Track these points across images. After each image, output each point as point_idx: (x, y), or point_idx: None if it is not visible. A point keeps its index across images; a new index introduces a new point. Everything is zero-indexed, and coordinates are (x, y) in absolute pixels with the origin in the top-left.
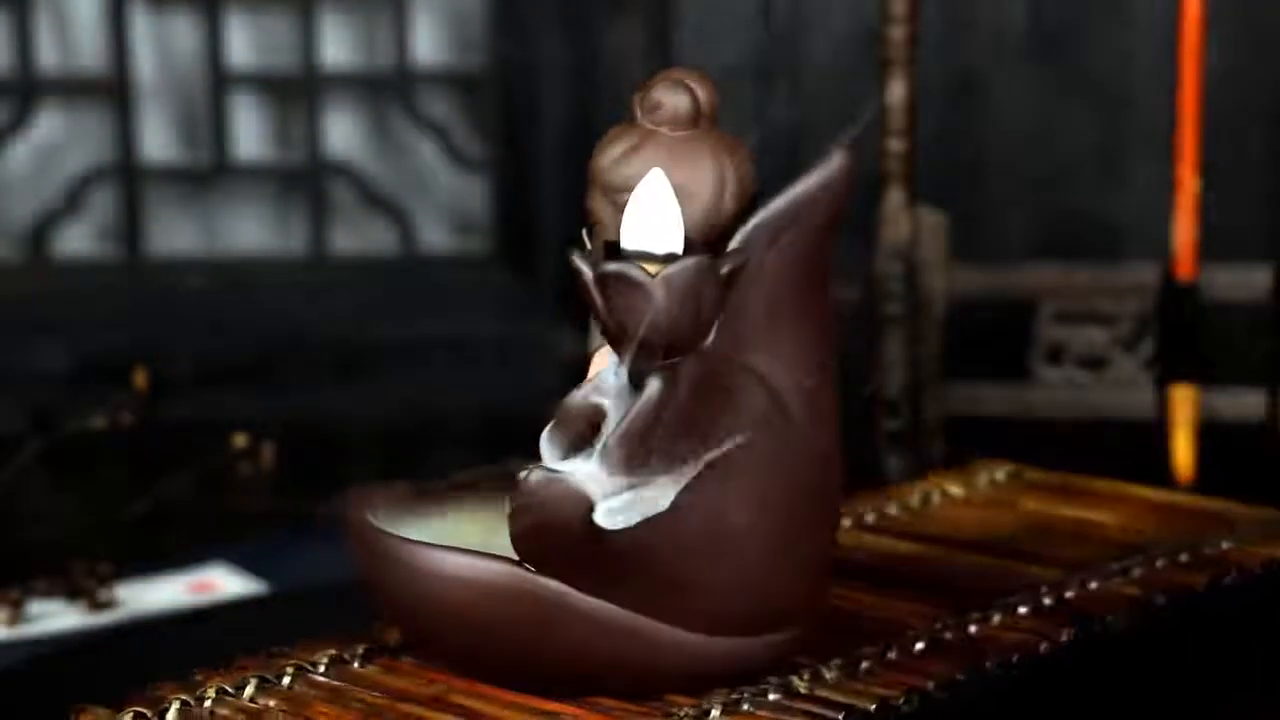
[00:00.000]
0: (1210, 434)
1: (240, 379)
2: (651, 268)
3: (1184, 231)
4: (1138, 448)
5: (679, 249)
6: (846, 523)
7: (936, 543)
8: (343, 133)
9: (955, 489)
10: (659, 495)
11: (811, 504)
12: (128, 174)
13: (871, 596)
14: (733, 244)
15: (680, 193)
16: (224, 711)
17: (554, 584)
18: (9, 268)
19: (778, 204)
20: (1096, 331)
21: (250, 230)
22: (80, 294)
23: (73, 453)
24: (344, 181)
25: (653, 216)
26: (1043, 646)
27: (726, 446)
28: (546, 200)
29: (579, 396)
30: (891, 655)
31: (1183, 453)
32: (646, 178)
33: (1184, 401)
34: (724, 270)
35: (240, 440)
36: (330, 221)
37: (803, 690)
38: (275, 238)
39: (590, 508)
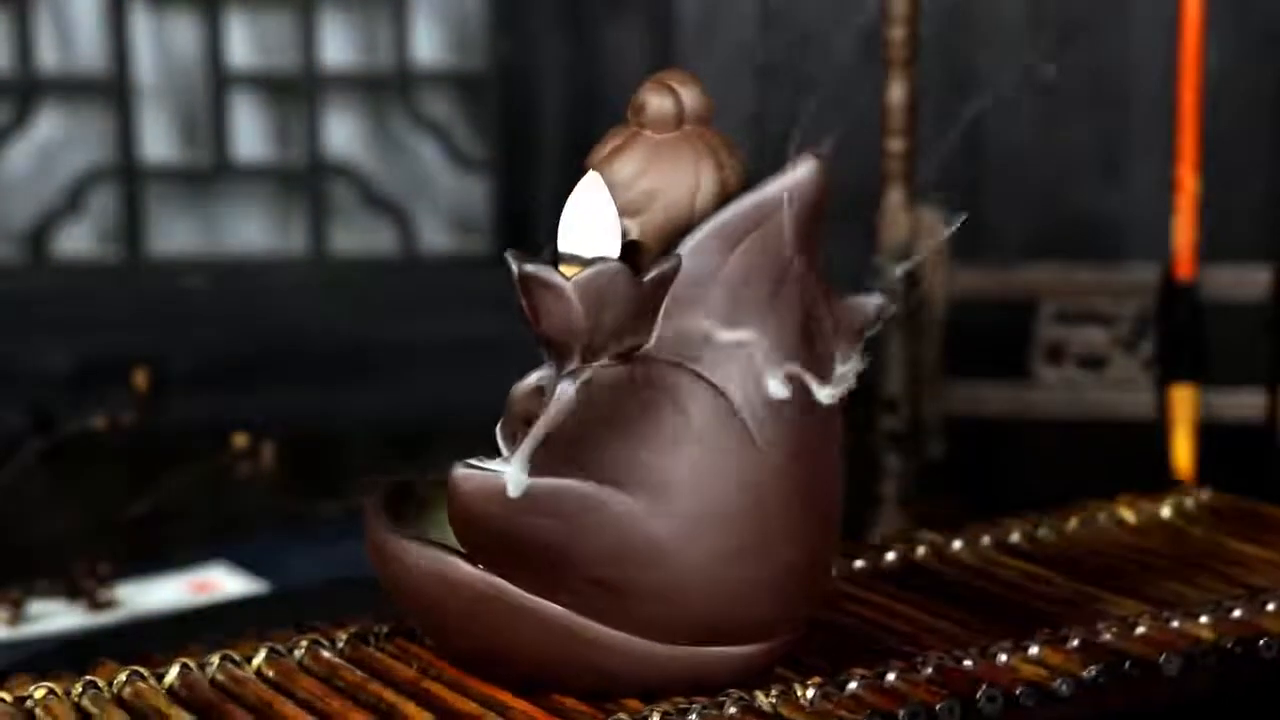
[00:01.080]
0: (1210, 434)
1: (240, 379)
2: (570, 270)
3: (1184, 231)
4: (1138, 448)
5: (612, 252)
6: (985, 540)
7: (1059, 568)
8: (343, 133)
9: (1127, 514)
10: (569, 491)
11: (772, 518)
12: (128, 174)
13: (930, 617)
14: (682, 247)
15: (652, 195)
16: (220, 677)
17: (490, 578)
18: (9, 268)
19: (735, 209)
20: (1096, 331)
21: (250, 230)
22: (80, 294)
23: (73, 453)
24: (344, 181)
25: (585, 219)
26: (1058, 682)
27: (647, 452)
28: (546, 200)
29: (523, 387)
30: (889, 678)
31: (1183, 453)
32: (582, 180)
33: (1184, 401)
34: (647, 276)
35: (240, 440)
36: (330, 221)
37: (765, 707)
38: (275, 238)
39: (505, 504)
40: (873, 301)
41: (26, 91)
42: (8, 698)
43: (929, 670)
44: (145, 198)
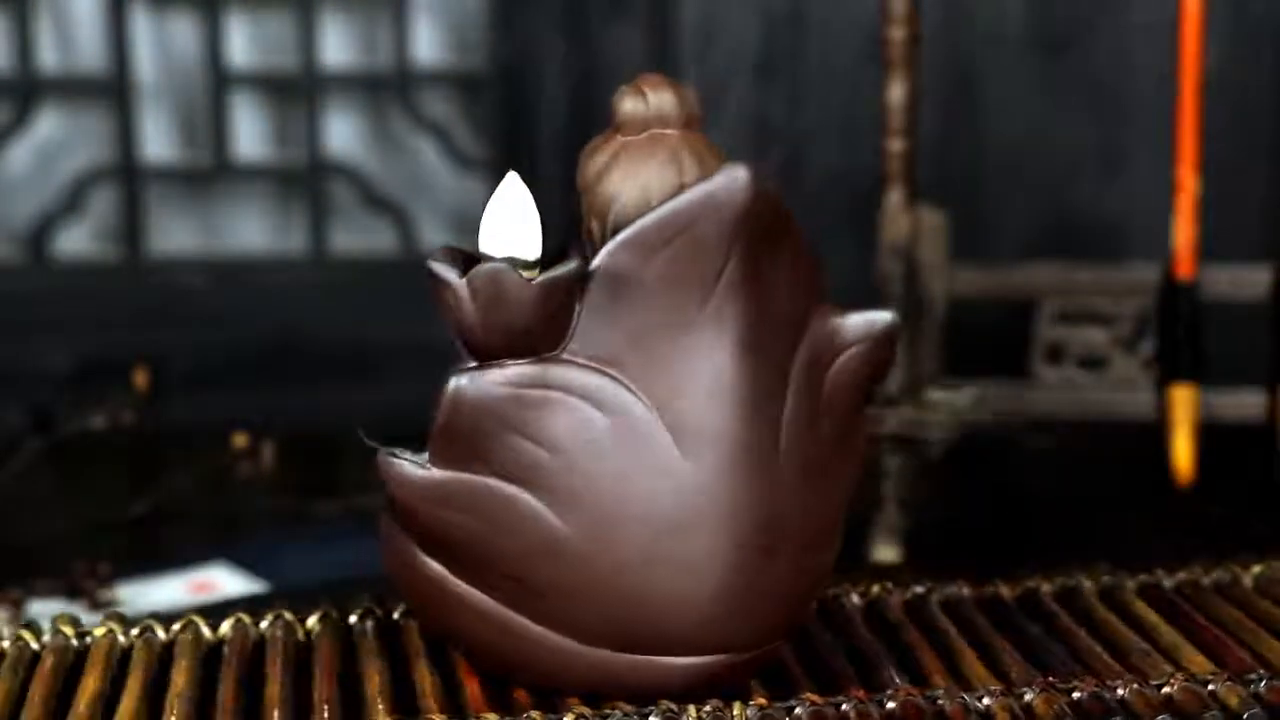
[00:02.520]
0: (1210, 434)
1: (240, 379)
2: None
3: (1184, 231)
4: (1138, 448)
5: (530, 253)
6: (1133, 582)
7: (1179, 620)
8: (343, 133)
9: None
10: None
11: (691, 532)
12: (128, 174)
13: (973, 654)
14: (600, 255)
15: (613, 197)
16: (275, 633)
17: (434, 564)
18: (9, 268)
19: (653, 216)
20: (1096, 331)
21: (250, 230)
22: (80, 294)
23: (73, 453)
24: (344, 181)
25: (502, 219)
26: None
27: (556, 455)
28: (546, 201)
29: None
30: (844, 708)
31: (1183, 453)
32: (503, 181)
33: (1184, 401)
34: (537, 280)
35: (240, 440)
36: (330, 221)
37: None
38: (275, 238)
39: (420, 494)
40: (880, 318)
41: (26, 91)
42: (69, 631)
43: (892, 705)
44: (145, 198)
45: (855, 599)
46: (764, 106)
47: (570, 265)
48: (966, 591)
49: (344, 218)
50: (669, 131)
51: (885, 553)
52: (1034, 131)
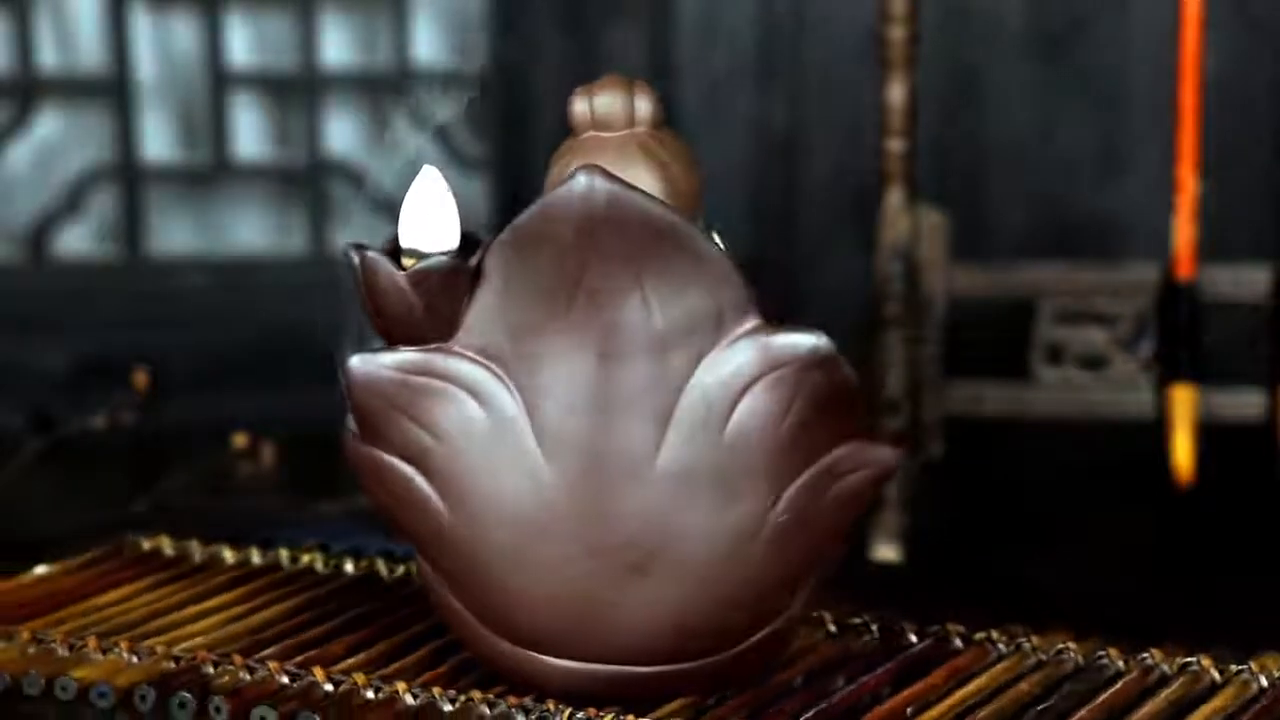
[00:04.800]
0: (1210, 434)
1: (241, 379)
2: (409, 262)
3: (1184, 231)
4: (1138, 448)
5: (444, 245)
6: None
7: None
8: (343, 133)
9: None
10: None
11: (557, 535)
12: (128, 174)
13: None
14: (488, 251)
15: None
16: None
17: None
18: (9, 268)
19: (521, 218)
20: (1096, 331)
21: (250, 230)
22: (80, 294)
23: (73, 453)
24: (344, 181)
25: (415, 211)
26: None
27: (441, 443)
28: None
29: None
30: None
31: (1183, 453)
32: (421, 173)
33: (1184, 401)
34: (408, 270)
35: (240, 440)
36: (330, 221)
37: None
38: (275, 237)
39: (353, 465)
40: (803, 341)
41: (26, 91)
42: (257, 558)
43: None
44: (145, 198)
45: (833, 627)
46: (764, 106)
47: (440, 258)
48: (1075, 654)
49: (344, 218)
50: (607, 134)
51: (885, 552)
52: (1034, 131)
